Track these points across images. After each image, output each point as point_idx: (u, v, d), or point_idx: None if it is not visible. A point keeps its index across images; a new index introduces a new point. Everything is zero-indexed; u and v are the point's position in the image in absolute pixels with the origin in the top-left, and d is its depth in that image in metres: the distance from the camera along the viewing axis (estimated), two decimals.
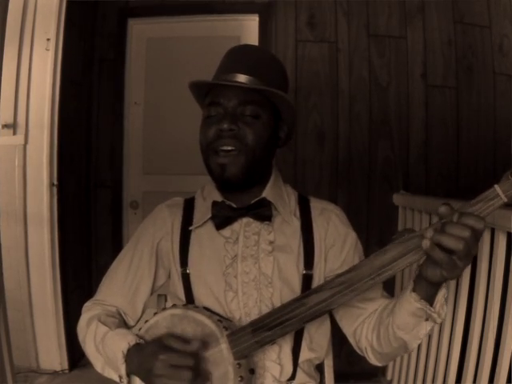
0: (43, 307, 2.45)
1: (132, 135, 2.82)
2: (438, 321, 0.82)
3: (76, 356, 2.54)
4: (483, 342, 1.55)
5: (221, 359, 0.86)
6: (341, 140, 2.61)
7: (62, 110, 2.44)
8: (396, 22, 2.62)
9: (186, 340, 0.85)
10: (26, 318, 2.45)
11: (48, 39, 2.38)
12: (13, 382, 1.92)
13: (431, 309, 0.79)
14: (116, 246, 2.74)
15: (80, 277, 2.70)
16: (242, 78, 0.97)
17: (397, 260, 0.76)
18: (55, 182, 2.43)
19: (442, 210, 0.71)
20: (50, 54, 2.38)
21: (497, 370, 1.46)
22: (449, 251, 0.68)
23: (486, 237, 1.57)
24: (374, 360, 0.98)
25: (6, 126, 2.38)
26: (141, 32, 2.80)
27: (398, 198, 2.50)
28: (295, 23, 2.62)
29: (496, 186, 0.71)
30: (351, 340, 1.02)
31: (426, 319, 0.81)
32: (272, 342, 0.89)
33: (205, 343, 0.86)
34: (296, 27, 2.62)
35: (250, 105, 0.96)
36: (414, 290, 0.80)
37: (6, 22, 2.35)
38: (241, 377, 0.85)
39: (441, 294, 0.80)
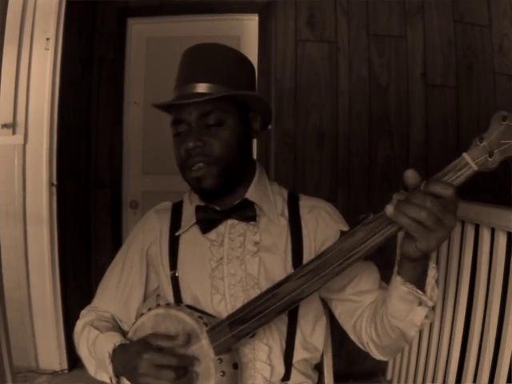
0: (43, 307, 2.45)
1: (131, 135, 2.81)
2: (430, 304, 0.78)
3: (75, 356, 2.52)
4: (483, 341, 1.55)
5: (202, 355, 0.86)
6: (340, 140, 2.61)
7: (62, 109, 2.44)
8: (396, 22, 2.62)
9: (169, 337, 0.86)
10: (25, 317, 2.45)
11: (47, 39, 2.38)
12: (12, 382, 1.92)
13: (419, 291, 0.76)
14: (115, 246, 2.73)
15: (79, 277, 2.70)
16: (201, 88, 0.95)
17: (365, 242, 0.73)
18: (54, 182, 2.43)
19: (408, 173, 0.67)
20: (50, 53, 2.38)
21: (497, 370, 1.46)
22: (416, 222, 0.64)
23: (486, 237, 1.57)
24: (377, 354, 0.95)
25: (5, 125, 2.38)
26: (140, 32, 2.80)
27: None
28: (295, 23, 2.62)
29: (464, 154, 0.67)
30: (352, 337, 1.00)
31: (420, 304, 0.78)
32: (249, 335, 0.87)
33: (190, 337, 0.86)
34: (296, 27, 2.62)
35: (211, 114, 0.95)
36: (399, 274, 0.76)
37: (5, 21, 2.35)
38: (222, 372, 0.85)
39: (431, 276, 0.76)
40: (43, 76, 2.39)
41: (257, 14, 2.67)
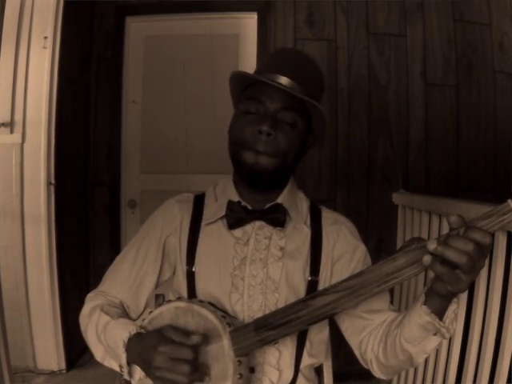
0: (40, 307, 2.44)
1: (130, 134, 2.81)
2: (447, 336, 0.81)
3: (73, 356, 2.54)
4: (483, 342, 1.54)
5: (222, 355, 0.85)
6: (340, 138, 2.60)
7: (60, 108, 2.43)
8: (395, 20, 2.61)
9: (186, 332, 0.84)
10: (23, 317, 2.44)
11: (45, 37, 2.37)
12: (10, 382, 1.91)
13: (441, 323, 0.79)
14: (114, 246, 2.74)
15: (77, 276, 2.69)
16: (286, 82, 0.96)
17: (404, 268, 0.75)
18: (52, 181, 2.41)
19: (453, 219, 0.69)
20: (48, 52, 2.37)
21: (497, 370, 1.46)
22: (453, 265, 0.67)
23: None
24: (378, 373, 0.98)
25: (3, 124, 2.37)
26: (139, 30, 2.79)
27: (397, 197, 2.49)
28: (294, 21, 2.61)
29: (510, 200, 0.69)
30: (356, 352, 1.01)
31: (435, 334, 0.81)
32: (274, 341, 0.88)
33: (206, 337, 0.85)
34: (295, 25, 2.61)
35: (291, 111, 0.95)
36: (425, 303, 0.79)
37: (3, 19, 2.34)
38: (240, 374, 0.84)
39: (451, 309, 0.79)
40: (41, 75, 2.38)
41: (256, 13, 2.67)
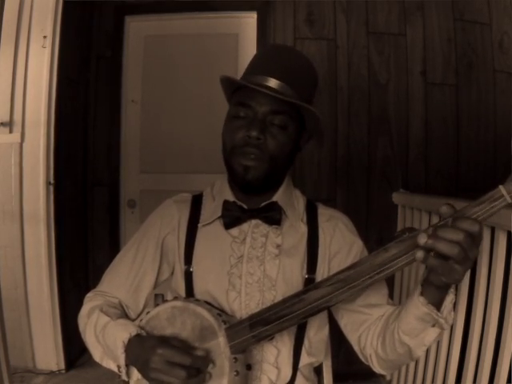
0: (40, 307, 2.44)
1: (129, 133, 2.80)
2: (445, 327, 0.81)
3: (73, 356, 2.53)
4: (483, 342, 1.54)
5: (218, 352, 0.86)
6: (340, 138, 2.60)
7: (59, 107, 2.42)
8: (395, 19, 2.60)
9: (191, 348, 0.85)
10: (22, 317, 2.44)
11: (44, 37, 2.36)
12: (9, 383, 1.91)
13: (438, 314, 0.78)
14: (113, 245, 2.73)
15: (77, 276, 2.69)
16: (275, 84, 0.95)
17: (397, 259, 0.75)
18: (52, 181, 2.41)
19: (444, 209, 0.70)
20: (47, 51, 2.37)
21: (497, 370, 1.45)
22: (445, 256, 0.67)
23: (486, 236, 1.56)
24: (378, 368, 0.98)
25: (2, 124, 2.37)
26: (138, 29, 2.79)
27: (397, 197, 2.49)
28: (293, 20, 2.60)
29: (501, 186, 0.69)
30: (356, 348, 1.01)
31: (433, 325, 0.81)
32: (269, 337, 0.88)
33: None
34: (294, 24, 2.60)
35: (280, 115, 0.95)
36: (421, 294, 0.79)
37: (2, 19, 2.34)
38: (236, 371, 0.85)
39: (448, 300, 0.79)
40: (40, 74, 2.38)
41: (255, 12, 2.66)
